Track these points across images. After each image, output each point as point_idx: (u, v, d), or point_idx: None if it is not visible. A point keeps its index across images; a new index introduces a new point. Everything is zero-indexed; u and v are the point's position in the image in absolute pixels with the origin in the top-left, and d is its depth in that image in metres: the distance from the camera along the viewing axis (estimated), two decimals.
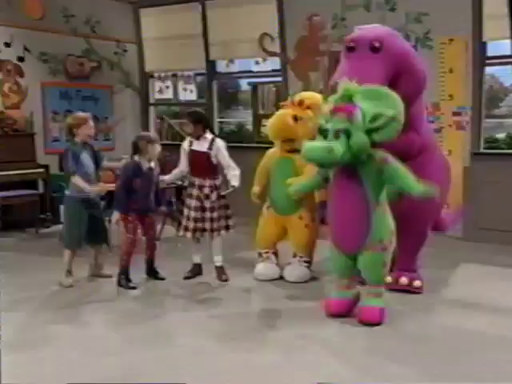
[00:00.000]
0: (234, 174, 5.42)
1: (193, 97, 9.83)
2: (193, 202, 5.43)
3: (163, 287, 5.45)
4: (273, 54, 8.60)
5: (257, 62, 8.93)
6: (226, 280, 5.54)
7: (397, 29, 7.33)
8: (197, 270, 5.69)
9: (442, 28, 6.97)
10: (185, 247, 6.01)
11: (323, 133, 4.22)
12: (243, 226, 5.94)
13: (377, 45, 4.55)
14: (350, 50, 4.68)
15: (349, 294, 4.56)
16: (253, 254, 5.92)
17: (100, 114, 9.13)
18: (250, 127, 10.42)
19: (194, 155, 5.48)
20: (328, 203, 4.57)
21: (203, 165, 5.45)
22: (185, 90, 9.78)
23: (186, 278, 5.63)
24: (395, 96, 4.21)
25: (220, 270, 5.60)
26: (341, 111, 4.17)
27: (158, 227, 6.77)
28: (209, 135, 5.50)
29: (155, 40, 9.72)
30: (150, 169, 5.40)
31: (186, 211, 5.51)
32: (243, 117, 11.62)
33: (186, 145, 5.57)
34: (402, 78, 4.60)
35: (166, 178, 5.69)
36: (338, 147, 4.06)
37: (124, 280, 5.35)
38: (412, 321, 4.51)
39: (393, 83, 4.52)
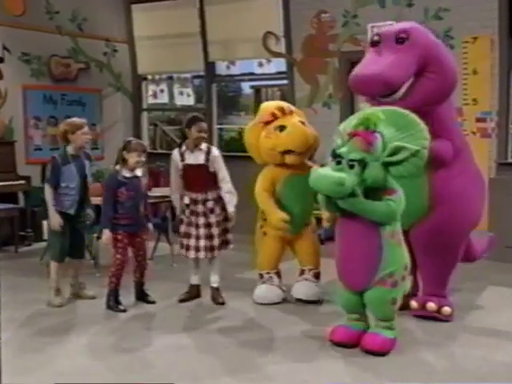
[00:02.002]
0: (230, 198, 5.41)
1: (190, 101, 9.80)
2: (200, 220, 5.38)
3: (155, 311, 5.37)
4: (277, 55, 8.56)
5: (260, 64, 8.91)
6: (222, 303, 5.48)
7: None
8: (195, 292, 5.62)
9: (465, 25, 6.92)
10: (181, 267, 5.93)
11: (337, 157, 4.12)
12: (241, 243, 5.86)
13: (403, 36, 4.62)
14: (375, 44, 4.75)
15: (358, 326, 4.44)
16: (252, 273, 5.85)
17: (88, 120, 8.94)
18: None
19: (189, 170, 5.40)
20: (335, 234, 4.44)
21: (203, 178, 5.39)
22: (181, 93, 9.76)
23: (182, 300, 5.55)
24: (423, 126, 4.13)
25: (216, 292, 5.55)
26: (359, 137, 4.07)
27: (152, 245, 6.70)
28: (204, 145, 5.43)
29: (148, 39, 9.68)
30: (135, 177, 5.39)
31: (190, 229, 5.43)
32: (245, 123, 11.55)
33: (176, 159, 5.46)
34: (429, 72, 4.62)
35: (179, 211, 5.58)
36: (351, 180, 3.98)
37: (113, 302, 5.33)
38: (432, 350, 4.39)
39: (418, 76, 4.58)
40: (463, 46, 7.09)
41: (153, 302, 5.50)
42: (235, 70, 9.27)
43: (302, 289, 5.50)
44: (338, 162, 4.09)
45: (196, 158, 5.39)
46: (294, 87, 8.38)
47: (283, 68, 8.59)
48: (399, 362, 4.18)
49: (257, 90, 9.90)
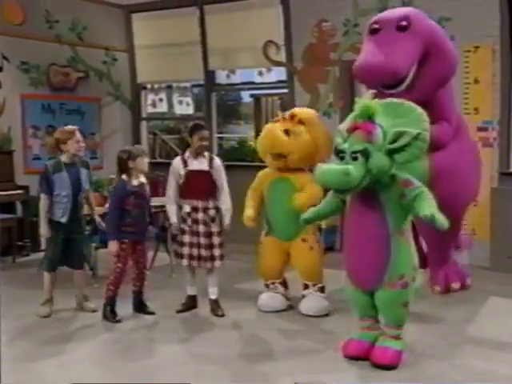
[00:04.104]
0: (227, 209, 5.45)
1: (189, 110, 9.82)
2: (200, 228, 5.38)
3: (153, 321, 5.36)
4: (278, 64, 8.56)
5: (260, 73, 8.93)
6: (222, 315, 5.45)
7: None
8: (191, 303, 5.61)
9: (467, 34, 6.92)
10: (180, 277, 5.92)
11: (340, 153, 4.12)
12: (240, 253, 5.85)
13: (404, 23, 4.61)
14: (374, 32, 4.71)
15: (370, 336, 4.40)
16: (251, 284, 5.86)
17: (86, 129, 9.02)
18: (252, 143, 10.37)
19: (192, 176, 5.41)
20: (344, 230, 4.47)
21: (206, 185, 5.41)
22: (180, 102, 9.77)
23: (179, 311, 5.55)
24: (420, 111, 4.12)
25: (215, 304, 5.52)
26: (359, 130, 4.08)
27: (151, 255, 6.68)
28: (206, 153, 5.48)
29: (148, 48, 9.69)
30: (142, 185, 5.39)
31: (191, 238, 5.41)
32: (245, 132, 11.61)
33: (178, 165, 5.47)
34: (432, 59, 4.67)
35: (174, 220, 5.51)
36: (356, 170, 3.96)
37: (109, 312, 5.32)
38: (434, 363, 4.36)
39: (422, 64, 4.61)
40: (465, 55, 7.07)
41: (152, 313, 5.48)
42: (235, 78, 9.29)
43: (311, 303, 5.46)
44: (342, 158, 4.10)
45: (200, 165, 5.41)
46: (295, 96, 8.38)
47: (283, 77, 8.60)
48: (403, 375, 4.14)
49: (257, 99, 9.89)
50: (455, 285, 5.56)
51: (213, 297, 5.52)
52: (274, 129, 5.45)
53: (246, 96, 11.09)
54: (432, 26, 4.83)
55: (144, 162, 5.34)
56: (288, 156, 5.37)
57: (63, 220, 5.43)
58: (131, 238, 5.34)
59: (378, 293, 4.24)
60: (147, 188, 5.49)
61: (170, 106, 9.94)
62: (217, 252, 5.40)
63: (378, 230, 4.15)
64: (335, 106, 8.06)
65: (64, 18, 8.75)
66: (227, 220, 5.46)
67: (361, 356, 4.36)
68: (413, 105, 4.17)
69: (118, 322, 5.26)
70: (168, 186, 5.56)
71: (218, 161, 5.50)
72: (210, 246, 5.38)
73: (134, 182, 5.33)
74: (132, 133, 9.92)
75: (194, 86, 9.75)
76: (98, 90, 9.34)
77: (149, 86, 9.97)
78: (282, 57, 8.48)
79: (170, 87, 9.85)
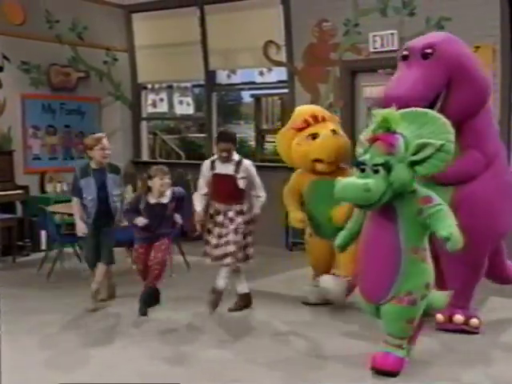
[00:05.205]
0: (258, 197, 5.51)
1: (190, 110, 9.83)
2: (218, 229, 5.43)
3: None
4: (278, 64, 8.56)
5: (261, 73, 8.92)
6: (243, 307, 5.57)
7: (416, 35, 7.36)
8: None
9: (467, 34, 6.79)
10: (179, 278, 5.92)
11: (360, 165, 4.02)
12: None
13: (428, 51, 4.61)
14: (404, 58, 4.76)
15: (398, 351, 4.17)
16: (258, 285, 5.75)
17: (86, 129, 9.04)
18: (252, 143, 10.36)
19: (217, 179, 5.46)
20: (360, 239, 4.35)
21: (229, 189, 5.44)
22: (181, 102, 9.78)
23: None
24: (444, 120, 4.00)
25: (245, 297, 5.64)
26: (380, 141, 3.98)
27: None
28: (236, 157, 5.50)
29: (149, 48, 9.69)
30: (158, 204, 5.36)
31: (211, 239, 5.48)
32: (245, 132, 11.59)
33: (206, 168, 5.56)
34: (458, 86, 4.59)
35: (198, 209, 5.55)
36: (377, 185, 3.86)
37: (142, 305, 5.33)
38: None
39: (449, 93, 4.56)
40: None
41: (144, 314, 5.33)
42: (236, 78, 9.29)
43: (331, 280, 5.40)
44: (362, 170, 3.99)
45: (225, 169, 5.45)
46: (295, 96, 8.37)
47: (284, 77, 8.59)
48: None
49: (257, 99, 9.88)
50: (459, 316, 4.93)
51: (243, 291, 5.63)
52: (331, 136, 5.50)
53: (246, 96, 11.07)
54: (459, 53, 4.72)
55: (159, 183, 5.30)
56: (326, 160, 5.45)
57: (89, 222, 5.64)
58: (142, 242, 5.39)
59: (383, 306, 4.10)
60: (168, 207, 5.37)
61: (171, 106, 9.94)
62: (239, 250, 5.39)
63: (389, 244, 4.04)
64: (335, 105, 8.04)
65: (64, 17, 8.75)
66: (258, 208, 5.51)
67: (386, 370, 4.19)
68: (437, 114, 4.06)
69: (144, 315, 5.27)
70: (199, 183, 5.67)
71: (246, 163, 5.50)
72: (226, 244, 5.36)
73: (151, 200, 5.35)
74: (132, 133, 9.92)
75: (194, 85, 9.76)
76: (99, 89, 9.34)
77: (149, 85, 9.97)
78: (282, 57, 8.47)
79: (170, 87, 9.86)
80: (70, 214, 7.03)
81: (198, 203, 5.57)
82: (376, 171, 3.90)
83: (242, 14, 8.74)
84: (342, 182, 4.02)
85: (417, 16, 7.32)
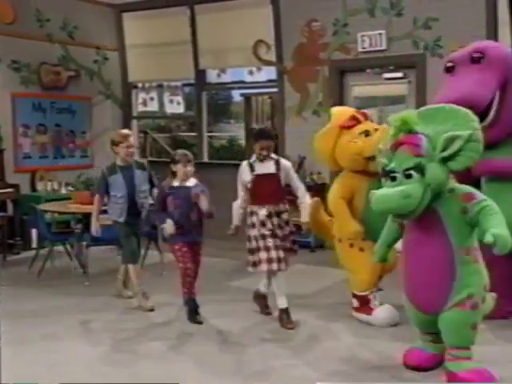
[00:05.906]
0: (304, 203, 5.27)
1: (180, 109, 9.85)
2: (278, 232, 5.12)
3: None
4: (268, 63, 8.61)
5: (250, 72, 8.97)
6: (291, 328, 5.08)
7: (404, 35, 7.44)
8: (263, 302, 5.51)
9: (454, 34, 6.97)
10: (170, 276, 5.90)
11: (389, 174, 3.78)
12: (233, 251, 5.80)
13: (477, 55, 4.59)
14: (450, 70, 4.73)
15: (434, 348, 4.07)
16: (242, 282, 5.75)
17: (77, 128, 9.12)
18: (242, 142, 10.40)
19: (261, 180, 5.15)
20: (402, 249, 4.11)
21: (275, 188, 5.18)
22: (171, 101, 9.79)
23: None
24: (464, 110, 3.78)
25: (285, 314, 5.16)
26: (404, 145, 3.76)
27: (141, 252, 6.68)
28: (273, 154, 5.25)
29: (139, 47, 9.72)
30: (183, 187, 5.25)
31: (266, 243, 5.07)
32: (235, 131, 11.63)
33: (245, 172, 5.23)
34: (510, 90, 4.60)
35: (236, 223, 5.32)
36: (415, 189, 3.64)
37: (188, 313, 5.26)
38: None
39: (504, 101, 4.55)
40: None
41: (200, 323, 5.23)
42: (226, 77, 9.32)
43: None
44: (393, 179, 3.76)
45: (267, 168, 5.19)
46: (284, 95, 8.42)
47: (273, 76, 8.63)
48: None
49: (247, 98, 9.91)
50: None
51: (282, 306, 5.16)
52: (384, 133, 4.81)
53: (236, 95, 11.09)
54: (506, 55, 4.71)
55: (183, 170, 5.23)
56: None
57: (121, 220, 5.62)
58: (182, 240, 5.23)
59: (442, 315, 3.83)
60: (193, 190, 5.21)
61: (161, 104, 9.96)
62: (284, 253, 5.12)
63: (440, 249, 3.80)
64: (325, 104, 8.09)
65: (55, 16, 8.77)
66: (305, 216, 5.26)
67: (424, 366, 4.06)
68: (455, 106, 3.83)
69: (200, 323, 5.16)
70: (238, 190, 5.32)
71: (284, 161, 5.29)
72: (284, 248, 5.11)
73: (175, 183, 5.28)
74: None
75: (184, 85, 9.77)
76: (89, 88, 9.36)
77: (140, 84, 10.00)
78: (272, 56, 8.52)
79: (160, 86, 9.87)
80: (61, 213, 7.14)
81: (237, 217, 5.31)
82: (408, 176, 3.69)
83: (232, 13, 8.78)
84: (377, 193, 3.78)
85: (404, 16, 7.39)
